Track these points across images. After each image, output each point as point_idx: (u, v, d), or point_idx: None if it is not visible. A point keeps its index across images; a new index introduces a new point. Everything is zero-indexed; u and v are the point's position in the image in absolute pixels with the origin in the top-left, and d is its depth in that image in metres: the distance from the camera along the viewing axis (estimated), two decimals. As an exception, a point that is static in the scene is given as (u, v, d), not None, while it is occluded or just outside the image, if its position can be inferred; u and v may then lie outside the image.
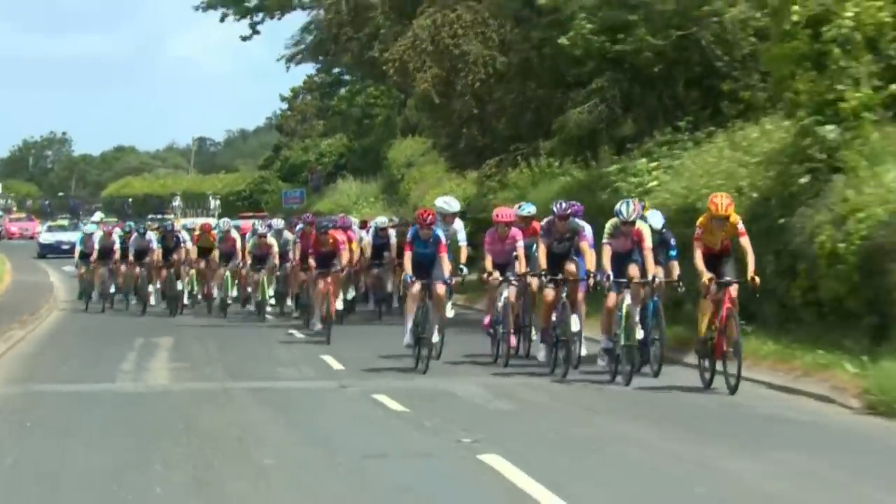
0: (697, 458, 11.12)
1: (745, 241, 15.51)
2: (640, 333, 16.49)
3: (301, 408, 14.81)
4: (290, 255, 26.22)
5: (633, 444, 11.90)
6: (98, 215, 30.92)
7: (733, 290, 15.49)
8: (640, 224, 16.79)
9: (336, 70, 60.74)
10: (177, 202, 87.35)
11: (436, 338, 18.35)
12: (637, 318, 16.45)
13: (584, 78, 26.43)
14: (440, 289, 18.36)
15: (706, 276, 15.40)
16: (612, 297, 16.81)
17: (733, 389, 15.16)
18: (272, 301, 29.23)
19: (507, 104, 31.26)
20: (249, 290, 29.50)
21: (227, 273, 29.19)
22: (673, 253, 17.43)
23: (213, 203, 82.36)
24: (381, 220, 29.64)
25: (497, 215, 19.16)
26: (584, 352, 17.68)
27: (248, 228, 32.43)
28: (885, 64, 17.30)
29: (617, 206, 17.03)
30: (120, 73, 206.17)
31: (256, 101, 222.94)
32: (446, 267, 18.40)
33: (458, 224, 20.40)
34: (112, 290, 31.59)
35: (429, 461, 11.17)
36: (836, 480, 10.29)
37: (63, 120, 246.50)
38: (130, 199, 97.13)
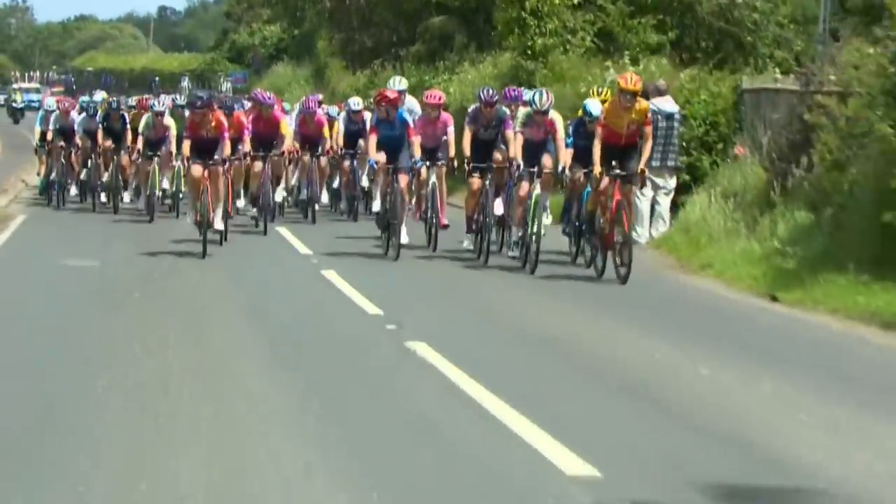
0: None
1: (648, 131, 15.90)
2: (547, 220, 16.79)
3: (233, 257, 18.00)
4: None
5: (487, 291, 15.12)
6: (101, 94, 30.85)
7: (627, 183, 15.68)
8: (552, 114, 16.69)
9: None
10: (185, 82, 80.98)
11: (405, 236, 17.71)
12: (544, 207, 16.61)
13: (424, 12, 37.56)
14: (403, 181, 17.58)
15: (596, 168, 15.60)
16: (524, 187, 16.55)
17: (624, 279, 15.39)
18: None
19: (386, 16, 41.80)
20: (135, 182, 24.95)
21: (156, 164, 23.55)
22: None
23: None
24: (355, 101, 24.45)
25: (427, 97, 18.54)
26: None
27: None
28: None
29: (530, 95, 17.05)
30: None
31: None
32: (416, 151, 17.48)
33: (414, 103, 19.96)
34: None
35: (281, 265, 17.41)
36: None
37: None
38: (157, 78, 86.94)
